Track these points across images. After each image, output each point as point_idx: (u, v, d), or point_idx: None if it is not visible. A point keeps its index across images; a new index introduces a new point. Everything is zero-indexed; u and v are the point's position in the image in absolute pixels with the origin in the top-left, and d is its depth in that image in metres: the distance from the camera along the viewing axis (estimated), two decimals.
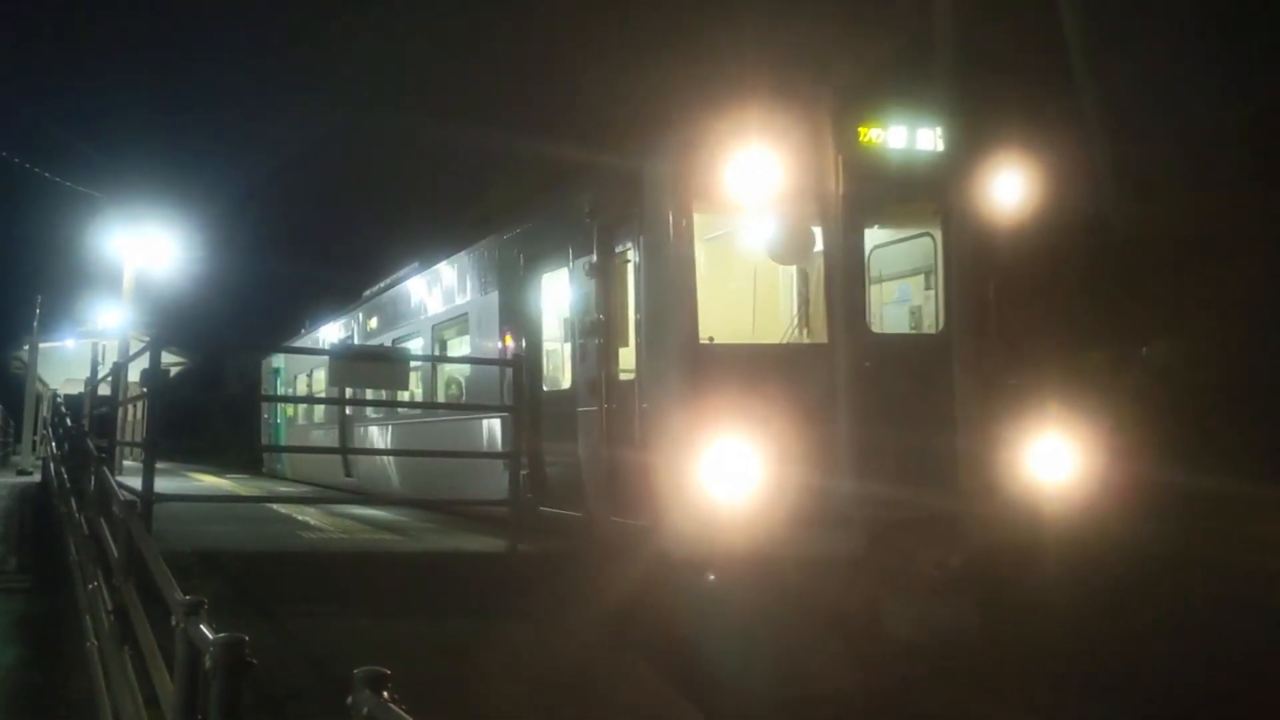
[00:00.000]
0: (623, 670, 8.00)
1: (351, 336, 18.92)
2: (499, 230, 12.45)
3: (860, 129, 8.98)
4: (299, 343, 23.22)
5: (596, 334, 9.52)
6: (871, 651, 7.83)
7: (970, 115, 8.81)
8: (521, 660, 7.82)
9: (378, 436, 16.95)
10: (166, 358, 25.27)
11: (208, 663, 3.42)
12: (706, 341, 8.67)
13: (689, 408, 8.40)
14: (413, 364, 14.74)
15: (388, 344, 16.00)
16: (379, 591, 8.25)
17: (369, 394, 13.76)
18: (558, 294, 10.86)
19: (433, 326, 14.54)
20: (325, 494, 17.79)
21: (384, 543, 9.93)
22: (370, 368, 10.47)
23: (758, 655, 7.71)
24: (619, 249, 9.47)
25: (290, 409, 23.93)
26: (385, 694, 2.84)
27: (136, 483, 9.33)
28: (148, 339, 13.39)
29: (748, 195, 8.55)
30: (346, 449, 17.94)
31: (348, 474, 17.73)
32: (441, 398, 14.61)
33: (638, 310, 9.06)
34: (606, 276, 9.55)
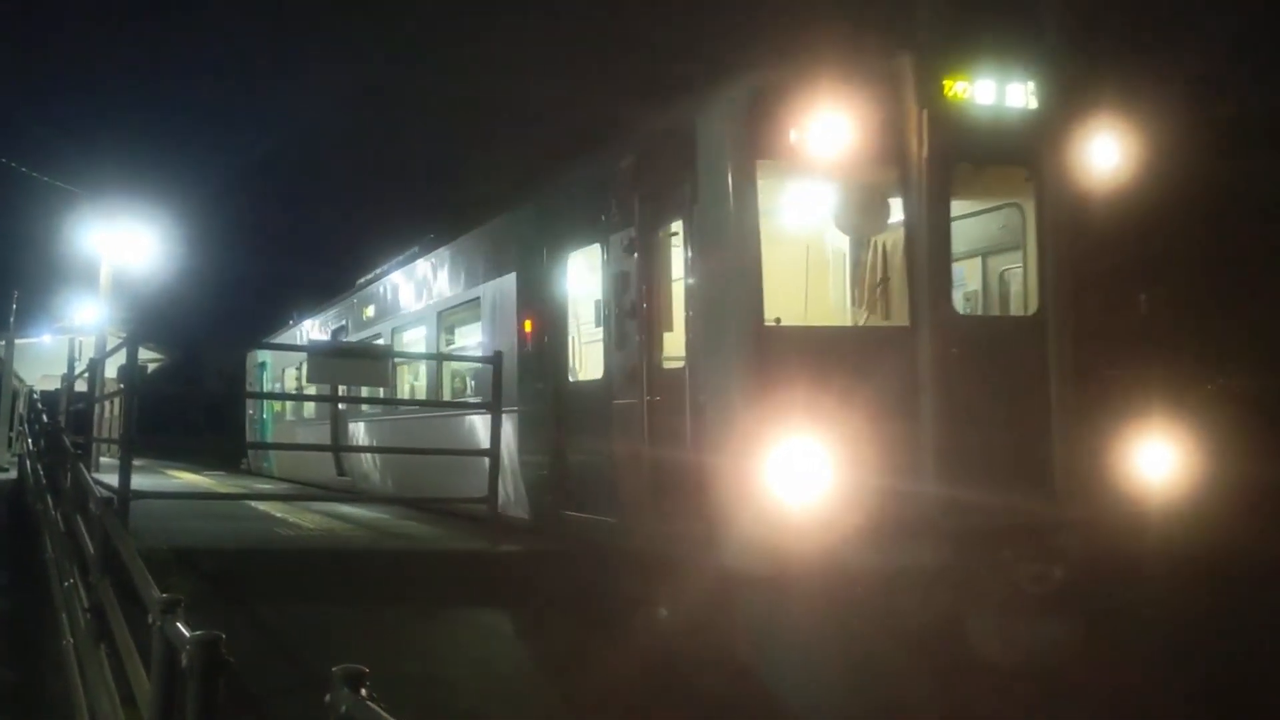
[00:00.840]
0: (605, 666, 8.01)
1: (345, 328, 17.95)
2: (517, 205, 11.48)
3: (945, 81, 7.76)
4: (288, 336, 22.09)
5: (637, 317, 8.47)
6: (958, 676, 6.99)
7: (1068, 67, 7.88)
8: (499, 657, 7.82)
9: (372, 434, 15.96)
10: (145, 354, 25.13)
11: (184, 661, 3.41)
12: (773, 323, 7.56)
13: (752, 399, 7.32)
14: (402, 361, 14.73)
15: (386, 334, 15.25)
16: (358, 589, 8.23)
17: (364, 390, 13.64)
18: (588, 273, 9.73)
19: (439, 314, 13.43)
20: (304, 491, 17.70)
21: (363, 540, 9.91)
22: (349, 364, 10.44)
23: (829, 678, 6.94)
24: (666, 219, 8.36)
25: (278, 405, 22.94)
26: (363, 691, 2.83)
27: (114, 479, 9.28)
28: (125, 335, 13.32)
29: (821, 155, 7.48)
30: (333, 446, 17.22)
31: (341, 473, 16.89)
32: (447, 393, 13.71)
33: (689, 289, 8.05)
34: (650, 251, 8.45)
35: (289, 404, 21.92)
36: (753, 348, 7.36)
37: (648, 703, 7.94)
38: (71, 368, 20.90)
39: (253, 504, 13.12)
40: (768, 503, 7.12)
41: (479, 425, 11.25)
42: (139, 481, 9.67)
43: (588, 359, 10.08)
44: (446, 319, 13.45)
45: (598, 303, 9.48)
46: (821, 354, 7.62)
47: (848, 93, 7.54)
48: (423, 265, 14.40)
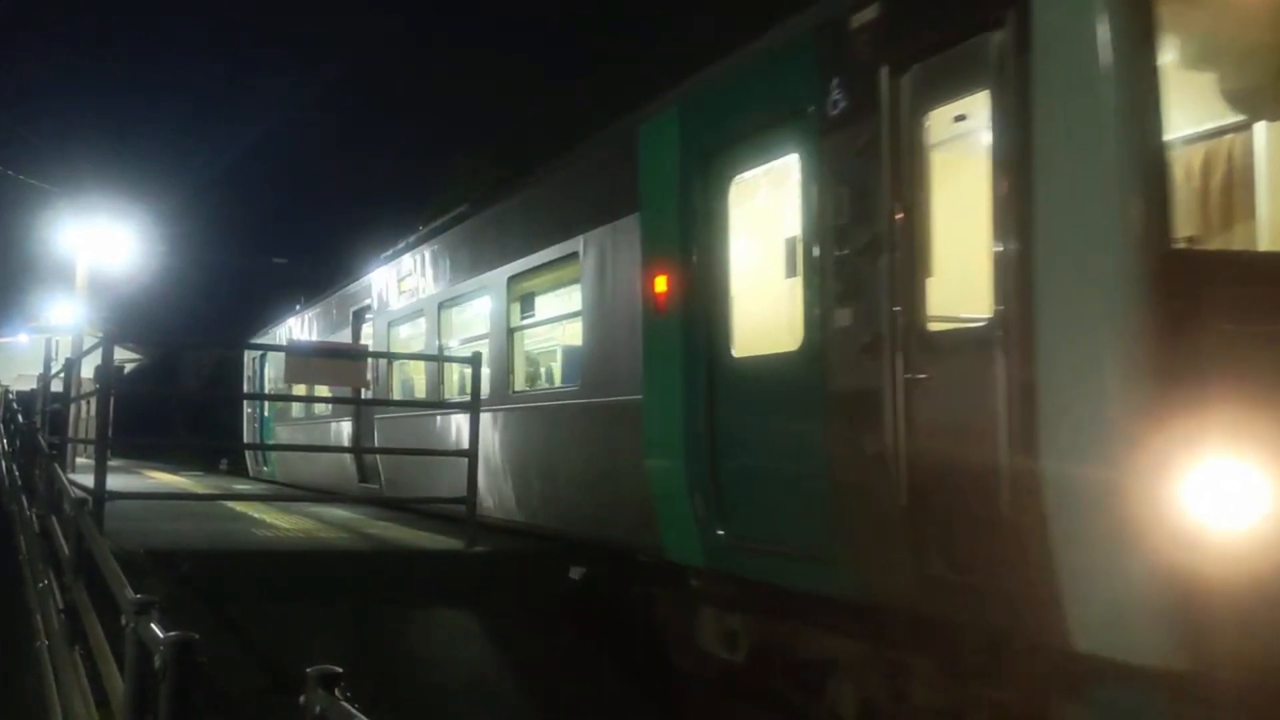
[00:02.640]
0: (573, 662, 8.02)
1: (369, 308, 14.94)
2: (644, 116, 8.34)
3: None
4: (294, 323, 19.50)
5: (882, 256, 5.70)
6: None
7: None
8: (476, 657, 7.82)
9: (412, 435, 12.60)
10: (122, 354, 24.99)
11: (158, 662, 3.39)
12: (1184, 246, 4.89)
13: (1145, 378, 4.52)
14: (381, 359, 14.51)
15: (430, 311, 12.48)
16: (334, 590, 8.21)
17: (395, 386, 12.62)
18: (771, 201, 7.31)
19: (510, 280, 10.39)
20: (281, 492, 17.61)
21: (339, 541, 9.86)
22: (327, 364, 10.38)
23: None
24: (948, 94, 5.49)
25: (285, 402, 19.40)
26: (337, 692, 2.83)
27: (89, 480, 9.22)
28: (101, 334, 13.23)
29: None
30: (354, 448, 14.62)
31: (363, 479, 14.29)
32: (520, 382, 10.78)
33: (1004, 200, 5.09)
34: (912, 152, 5.62)
35: (298, 402, 18.28)
36: (1149, 287, 4.51)
37: (628, 703, 7.97)
38: (48, 367, 20.75)
39: (230, 505, 13.05)
40: (1184, 552, 4.38)
41: (559, 422, 9.41)
42: (115, 482, 9.61)
43: (765, 325, 7.16)
44: (522, 285, 10.50)
45: (792, 242, 6.92)
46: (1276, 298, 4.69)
47: None
48: (483, 221, 11.63)
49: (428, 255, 12.94)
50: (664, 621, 8.41)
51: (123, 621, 4.21)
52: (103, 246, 23.97)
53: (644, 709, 8.07)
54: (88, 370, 16.36)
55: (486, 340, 10.90)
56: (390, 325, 14.14)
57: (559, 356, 11.17)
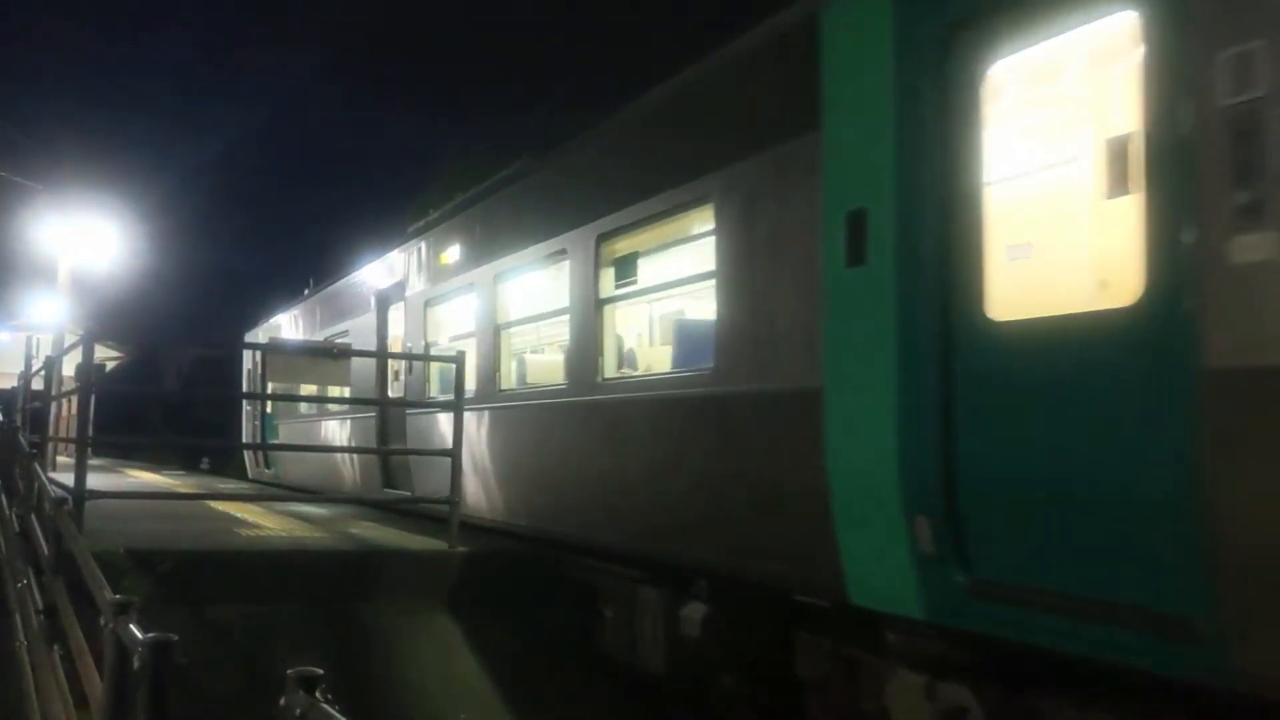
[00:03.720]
0: (556, 664, 8.01)
1: (402, 285, 12.91)
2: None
3: None
4: (302, 309, 18.07)
5: None
6: None
7: None
8: (454, 655, 7.80)
9: (445, 427, 10.27)
10: (103, 352, 24.84)
11: (136, 663, 3.37)
12: None
13: None
14: (351, 357, 14.39)
15: (484, 284, 10.48)
16: (316, 590, 8.17)
17: (433, 379, 11.35)
18: (1070, 84, 5.61)
19: (599, 238, 8.45)
20: (264, 492, 17.55)
21: (323, 541, 9.82)
22: (311, 364, 10.34)
23: None
24: None
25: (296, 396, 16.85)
26: (318, 694, 2.81)
27: (70, 479, 9.16)
28: (82, 332, 13.15)
29: None
30: (380, 449, 13.19)
31: (388, 482, 12.71)
32: (611, 367, 8.74)
33: None
34: None
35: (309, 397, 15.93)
36: None
37: (604, 704, 7.96)
38: (28, 365, 20.60)
39: (212, 504, 12.99)
40: None
41: (674, 418, 7.45)
42: (96, 481, 9.55)
43: (1053, 272, 5.51)
44: (617, 245, 8.50)
45: (1120, 143, 5.19)
46: None
47: None
48: (561, 172, 9.63)
49: (480, 220, 10.95)
50: (820, 679, 6.59)
51: (101, 622, 4.18)
52: (85, 244, 23.84)
53: (625, 709, 8.06)
54: (69, 368, 16.27)
55: (563, 318, 9.06)
56: (428, 305, 12.10)
57: (675, 334, 8.97)
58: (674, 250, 8.39)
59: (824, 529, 5.83)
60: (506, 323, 10.44)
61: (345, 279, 15.61)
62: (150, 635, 3.36)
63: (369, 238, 15.95)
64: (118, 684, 3.81)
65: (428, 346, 11.93)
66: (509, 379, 10.45)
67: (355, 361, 12.98)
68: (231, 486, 19.78)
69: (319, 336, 16.41)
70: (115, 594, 4.26)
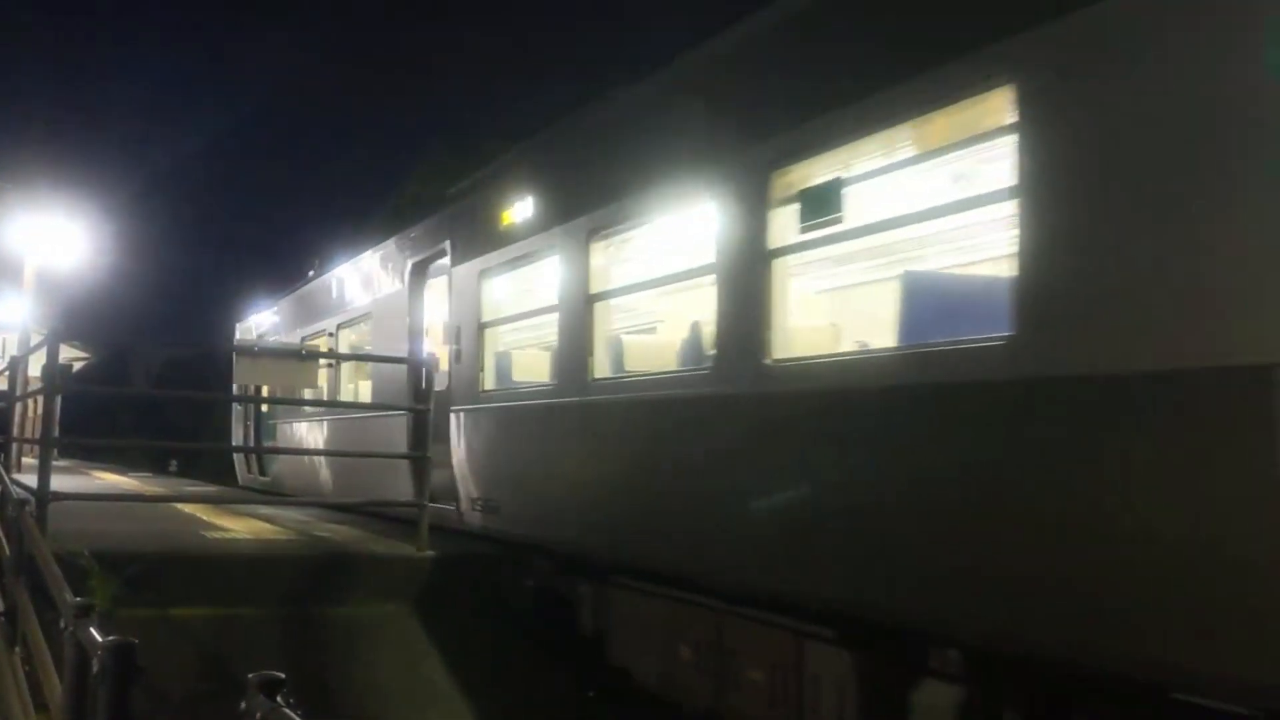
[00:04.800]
0: (522, 667, 7.98)
1: (444, 252, 10.52)
2: None
3: None
4: (301, 291, 16.02)
5: None
6: None
7: None
8: (421, 658, 7.76)
9: (521, 430, 8.79)
10: (69, 352, 24.61)
11: (96, 667, 3.33)
12: None
13: None
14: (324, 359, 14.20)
15: (578, 239, 7.94)
16: (281, 593, 8.11)
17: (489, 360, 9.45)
18: None
19: (771, 165, 6.08)
20: (230, 494, 17.40)
21: (289, 544, 9.75)
22: (278, 366, 10.26)
23: None
24: None
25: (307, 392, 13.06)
26: (280, 698, 2.79)
27: (34, 480, 9.06)
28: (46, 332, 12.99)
29: None
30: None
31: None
32: (799, 344, 6.31)
33: None
34: None
35: (320, 391, 13.46)
36: None
37: (577, 707, 7.94)
38: None
39: (179, 507, 12.88)
40: None
41: (866, 414, 5.46)
42: (61, 482, 9.44)
43: None
44: (803, 172, 5.95)
45: None
46: None
47: None
48: (722, 62, 6.94)
49: (572, 160, 8.64)
50: None
51: (61, 625, 4.13)
52: (52, 243, 23.61)
53: (593, 713, 8.05)
54: (35, 369, 16.11)
55: (707, 280, 6.71)
56: (483, 276, 9.68)
57: (906, 291, 6.10)
58: (923, 166, 5.66)
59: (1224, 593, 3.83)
60: (605, 292, 7.96)
61: (366, 253, 13.12)
62: (110, 639, 3.32)
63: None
64: (77, 688, 3.77)
65: (482, 328, 9.60)
66: (603, 366, 7.96)
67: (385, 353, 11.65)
68: (199, 489, 19.61)
69: (330, 322, 14.18)
70: (78, 596, 4.22)
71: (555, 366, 8.45)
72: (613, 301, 8.20)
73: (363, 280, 13.12)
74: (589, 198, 7.92)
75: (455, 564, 9.07)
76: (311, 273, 15.78)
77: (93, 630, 3.63)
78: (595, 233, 7.82)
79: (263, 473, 16.58)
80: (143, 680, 3.27)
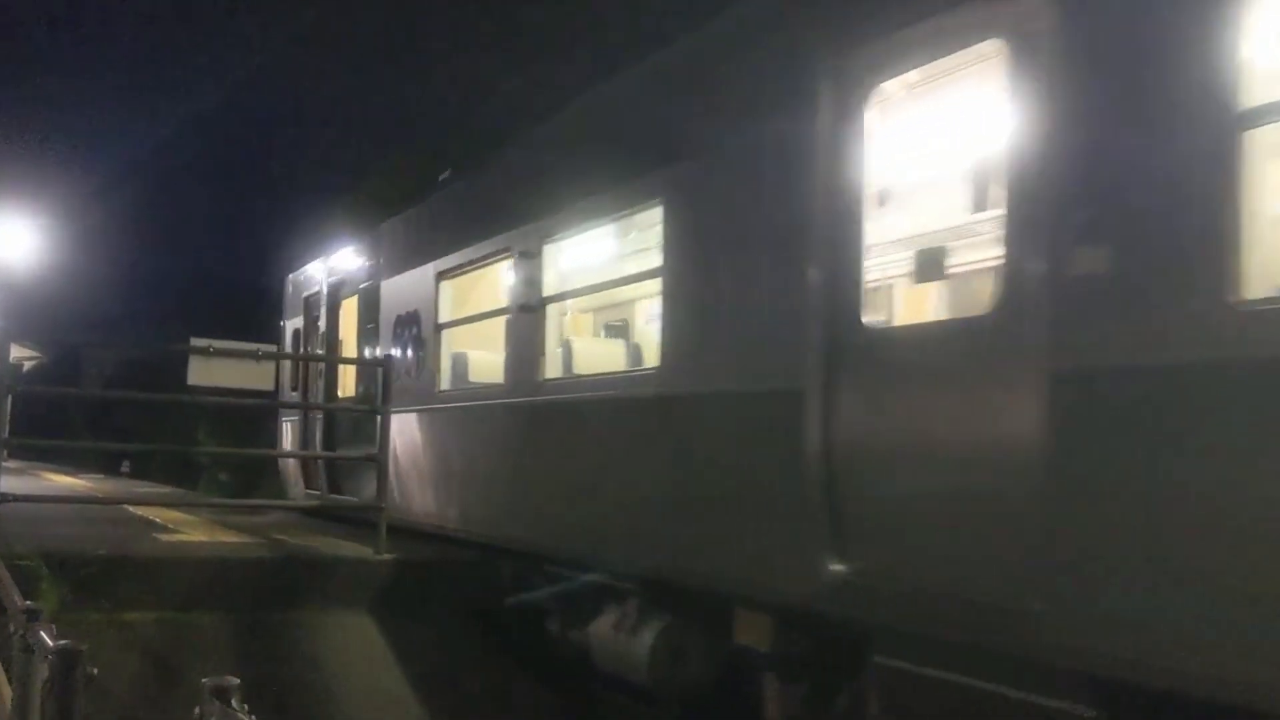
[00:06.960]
0: (481, 670, 7.94)
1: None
2: None
3: None
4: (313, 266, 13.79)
5: None
6: None
7: None
8: (378, 663, 7.71)
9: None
10: (20, 352, 24.27)
11: (45, 671, 3.28)
12: None
13: None
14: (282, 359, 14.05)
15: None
16: (236, 597, 8.03)
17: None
18: None
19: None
20: (186, 497, 17.21)
21: (244, 547, 9.66)
22: (234, 366, 10.17)
23: None
24: None
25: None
26: (234, 704, 2.77)
27: None
28: None
29: None
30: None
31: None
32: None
33: None
34: None
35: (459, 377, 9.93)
36: None
37: (538, 710, 7.91)
38: None
39: (132, 509, 12.72)
40: None
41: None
42: (11, 484, 9.30)
43: None
44: None
45: None
46: None
47: None
48: None
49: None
50: None
51: (10, 628, 4.07)
52: (2, 242, 23.32)
53: (554, 715, 8.03)
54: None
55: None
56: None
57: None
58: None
59: None
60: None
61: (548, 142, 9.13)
62: (60, 642, 3.28)
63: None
64: (25, 692, 3.72)
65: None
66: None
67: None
68: (151, 490, 19.40)
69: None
70: (27, 600, 4.16)
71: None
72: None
73: (564, 170, 8.33)
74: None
75: (414, 567, 9.01)
76: (442, 178, 11.62)
77: (42, 634, 3.58)
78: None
79: (332, 488, 12.39)
80: (92, 685, 3.23)
